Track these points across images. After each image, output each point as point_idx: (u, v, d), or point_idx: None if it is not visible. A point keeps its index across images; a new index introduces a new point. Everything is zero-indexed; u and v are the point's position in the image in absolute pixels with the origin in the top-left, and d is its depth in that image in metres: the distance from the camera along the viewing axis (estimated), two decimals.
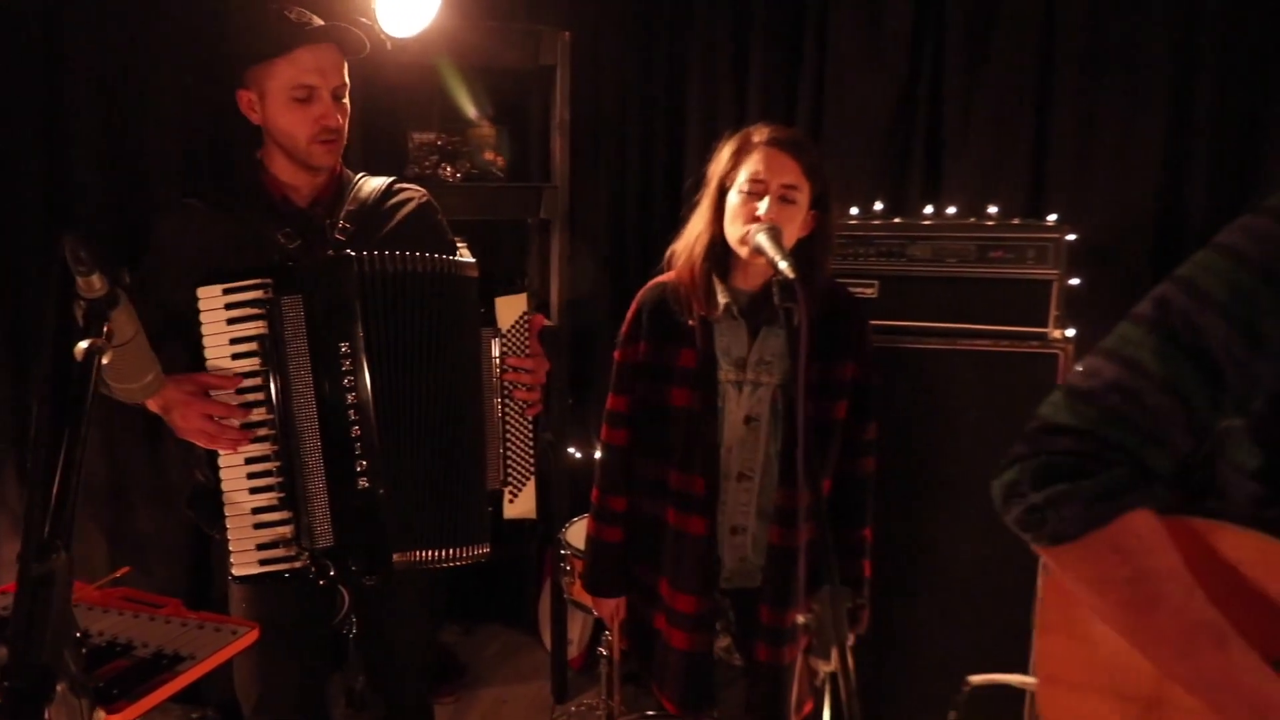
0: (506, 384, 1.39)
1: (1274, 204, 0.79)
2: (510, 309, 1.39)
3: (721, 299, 1.46)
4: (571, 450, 2.61)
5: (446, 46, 2.29)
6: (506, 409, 1.40)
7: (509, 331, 1.39)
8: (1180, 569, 0.77)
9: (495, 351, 1.38)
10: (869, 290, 2.01)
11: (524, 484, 1.41)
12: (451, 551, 1.34)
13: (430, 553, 1.33)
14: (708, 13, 2.58)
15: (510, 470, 1.41)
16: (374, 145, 2.32)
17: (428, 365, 1.32)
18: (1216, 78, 2.16)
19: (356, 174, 1.53)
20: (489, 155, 2.49)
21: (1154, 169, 2.19)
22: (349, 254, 1.29)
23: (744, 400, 1.48)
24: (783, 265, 1.20)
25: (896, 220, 2.07)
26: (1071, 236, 1.90)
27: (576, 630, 2.68)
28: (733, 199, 1.43)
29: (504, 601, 2.99)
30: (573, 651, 2.68)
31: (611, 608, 1.65)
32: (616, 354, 1.59)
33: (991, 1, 2.27)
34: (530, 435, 1.42)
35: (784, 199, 1.40)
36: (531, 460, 1.42)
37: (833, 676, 0.95)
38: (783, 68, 2.52)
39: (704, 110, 2.61)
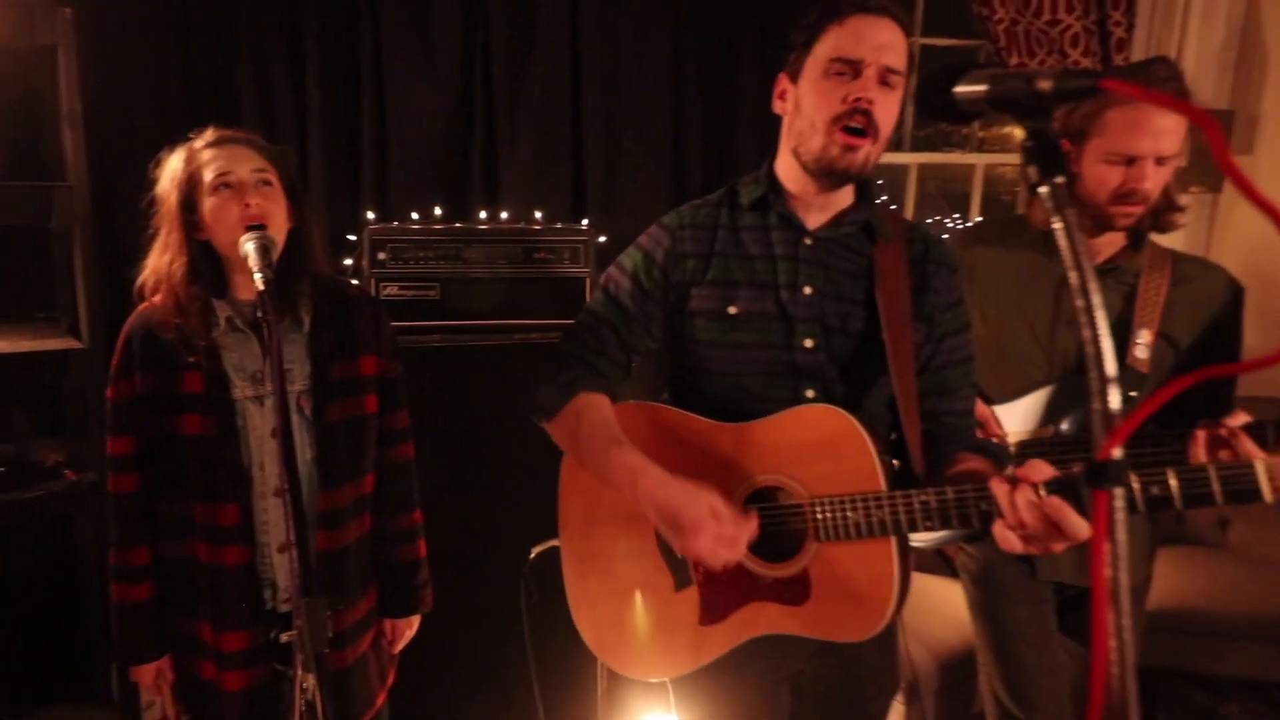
0: None
1: (666, 220, 1.37)
2: None
3: (222, 315, 1.38)
4: None
5: None
6: None
7: None
8: (602, 417, 1.29)
9: None
10: (431, 292, 2.07)
11: None
12: None
13: None
14: (250, 13, 2.40)
15: None
16: None
17: None
18: (700, 106, 2.61)
19: None
20: None
21: (664, 176, 2.58)
22: None
23: (267, 414, 1.41)
24: (257, 277, 1.17)
25: (457, 225, 2.16)
26: (602, 239, 2.16)
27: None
28: (208, 207, 1.35)
29: (68, 675, 2.53)
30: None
31: (153, 673, 1.47)
32: (109, 391, 1.41)
33: (528, 23, 2.47)
34: None
35: (261, 183, 1.36)
36: None
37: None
38: (343, 73, 2.46)
39: (260, 112, 2.44)
